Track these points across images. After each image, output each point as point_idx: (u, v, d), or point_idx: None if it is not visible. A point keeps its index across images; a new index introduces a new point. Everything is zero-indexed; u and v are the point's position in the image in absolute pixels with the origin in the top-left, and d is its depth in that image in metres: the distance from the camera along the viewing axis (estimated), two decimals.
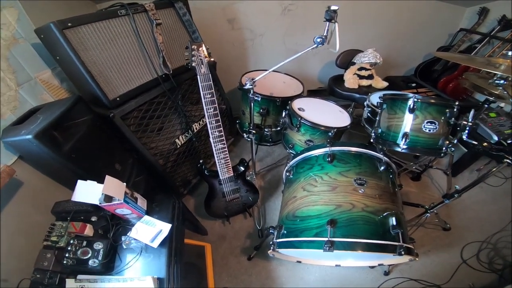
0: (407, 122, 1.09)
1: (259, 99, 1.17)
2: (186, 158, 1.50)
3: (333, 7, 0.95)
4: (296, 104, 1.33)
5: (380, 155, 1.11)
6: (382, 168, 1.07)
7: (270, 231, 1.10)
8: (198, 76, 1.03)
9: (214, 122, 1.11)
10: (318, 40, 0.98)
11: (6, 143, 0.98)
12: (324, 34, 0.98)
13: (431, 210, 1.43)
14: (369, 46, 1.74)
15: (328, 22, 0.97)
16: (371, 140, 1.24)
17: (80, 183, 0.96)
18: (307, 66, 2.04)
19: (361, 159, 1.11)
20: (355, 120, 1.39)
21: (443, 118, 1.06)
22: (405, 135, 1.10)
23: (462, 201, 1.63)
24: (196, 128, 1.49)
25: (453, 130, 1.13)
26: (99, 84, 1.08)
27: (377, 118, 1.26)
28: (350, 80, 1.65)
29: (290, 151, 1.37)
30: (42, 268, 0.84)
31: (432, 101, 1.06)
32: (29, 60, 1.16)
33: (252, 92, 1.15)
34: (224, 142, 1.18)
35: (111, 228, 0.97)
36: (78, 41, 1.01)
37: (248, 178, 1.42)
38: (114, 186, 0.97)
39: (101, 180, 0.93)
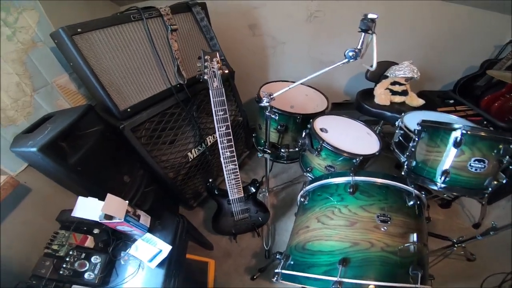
0: (450, 157, 0.86)
1: (277, 117, 0.97)
2: (198, 171, 1.37)
3: (371, 16, 0.74)
4: (319, 124, 1.12)
5: (410, 189, 0.90)
6: (411, 203, 0.87)
7: (277, 257, 0.96)
8: (210, 91, 0.86)
9: (225, 141, 0.95)
10: (350, 54, 0.77)
11: (15, 152, 0.90)
12: (358, 47, 0.76)
13: (459, 244, 1.24)
14: (403, 58, 1.46)
15: (363, 33, 0.75)
16: (402, 173, 1.00)
17: (80, 199, 0.89)
18: (332, 77, 1.81)
19: (387, 192, 0.90)
20: (383, 141, 1.14)
21: (494, 155, 0.82)
22: (445, 172, 0.87)
23: None
24: (210, 141, 1.35)
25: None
26: (109, 94, 0.97)
27: (412, 147, 1.02)
28: (382, 96, 1.40)
29: (308, 174, 1.17)
30: (39, 275, 0.80)
31: (484, 134, 0.82)
32: (47, 65, 1.07)
33: (269, 110, 0.95)
34: (236, 163, 1.02)
35: (112, 242, 0.92)
36: (88, 47, 0.89)
37: (261, 196, 1.25)
38: (115, 204, 0.91)
39: (108, 192, 0.86)
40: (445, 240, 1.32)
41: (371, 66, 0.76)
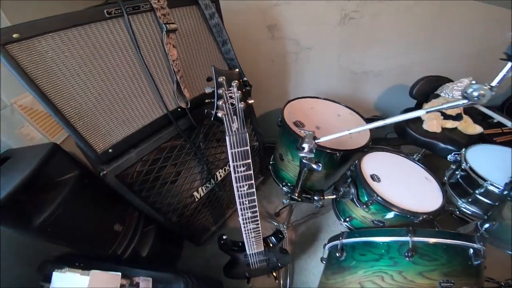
0: None
1: (320, 168, 0.60)
2: (205, 208, 1.01)
3: None
4: (368, 167, 0.75)
5: (479, 246, 0.63)
6: (478, 262, 0.63)
7: None
8: (226, 137, 0.48)
9: (247, 202, 0.59)
10: (476, 94, 0.39)
11: None
12: (494, 84, 0.38)
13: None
14: (449, 70, 1.06)
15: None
16: (477, 235, 0.68)
17: (55, 276, 0.61)
18: (362, 88, 1.35)
19: (451, 253, 0.64)
20: (444, 188, 0.78)
21: None
22: None
23: None
24: (220, 176, 0.97)
25: None
26: (78, 131, 0.58)
27: (480, 194, 0.70)
28: (433, 121, 1.00)
29: (345, 224, 0.82)
30: None
31: None
32: (3, 81, 0.68)
33: (307, 158, 0.58)
34: (258, 222, 0.66)
35: None
36: (35, 62, 0.51)
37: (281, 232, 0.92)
38: (104, 282, 0.63)
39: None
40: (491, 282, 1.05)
41: None
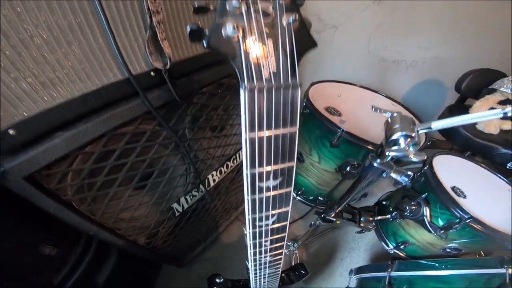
0: None
1: (405, 181, 0.30)
2: (190, 223, 0.66)
3: None
4: (446, 178, 0.45)
5: None
6: None
7: None
8: (242, 92, 0.16)
9: (269, 257, 0.26)
10: None
11: None
12: None
13: None
14: (493, 65, 0.80)
15: None
16: None
17: None
18: (390, 79, 1.05)
19: None
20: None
21: None
22: None
23: None
24: (213, 180, 0.62)
25: None
26: None
27: None
28: (492, 120, 0.73)
29: (396, 251, 0.52)
30: None
31: None
32: None
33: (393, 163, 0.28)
34: (279, 274, 0.34)
35: None
36: None
37: (286, 252, 0.61)
38: None
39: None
40: None
41: None
